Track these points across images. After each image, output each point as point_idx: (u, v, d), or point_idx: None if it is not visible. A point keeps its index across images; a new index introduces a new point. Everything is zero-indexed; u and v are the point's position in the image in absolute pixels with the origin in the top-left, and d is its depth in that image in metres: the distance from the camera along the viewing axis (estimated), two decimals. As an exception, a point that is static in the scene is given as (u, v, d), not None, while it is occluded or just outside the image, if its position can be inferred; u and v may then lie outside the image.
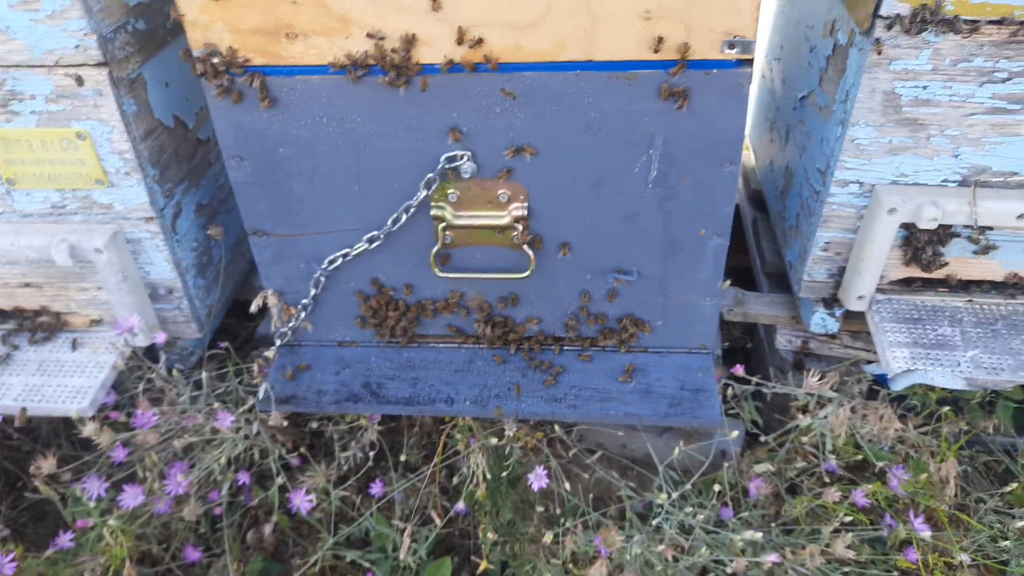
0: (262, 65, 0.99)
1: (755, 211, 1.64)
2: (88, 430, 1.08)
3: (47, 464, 1.13)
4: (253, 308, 1.22)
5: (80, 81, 1.03)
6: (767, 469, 1.25)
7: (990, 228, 1.15)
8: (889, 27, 0.98)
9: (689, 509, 1.15)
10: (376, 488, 1.28)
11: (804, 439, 1.22)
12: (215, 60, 0.98)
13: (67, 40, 1.00)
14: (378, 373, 1.23)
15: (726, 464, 1.26)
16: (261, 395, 1.20)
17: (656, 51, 0.92)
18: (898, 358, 1.16)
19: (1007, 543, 1.19)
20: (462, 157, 1.04)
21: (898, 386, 1.16)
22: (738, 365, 1.22)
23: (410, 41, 0.94)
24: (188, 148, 1.25)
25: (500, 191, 1.08)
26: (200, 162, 1.29)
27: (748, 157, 1.79)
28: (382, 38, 0.94)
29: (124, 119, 1.07)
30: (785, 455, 1.31)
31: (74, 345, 1.28)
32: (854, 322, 1.33)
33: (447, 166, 1.05)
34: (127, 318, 1.16)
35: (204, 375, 1.28)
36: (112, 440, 1.10)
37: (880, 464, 1.22)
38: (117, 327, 1.16)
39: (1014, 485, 1.24)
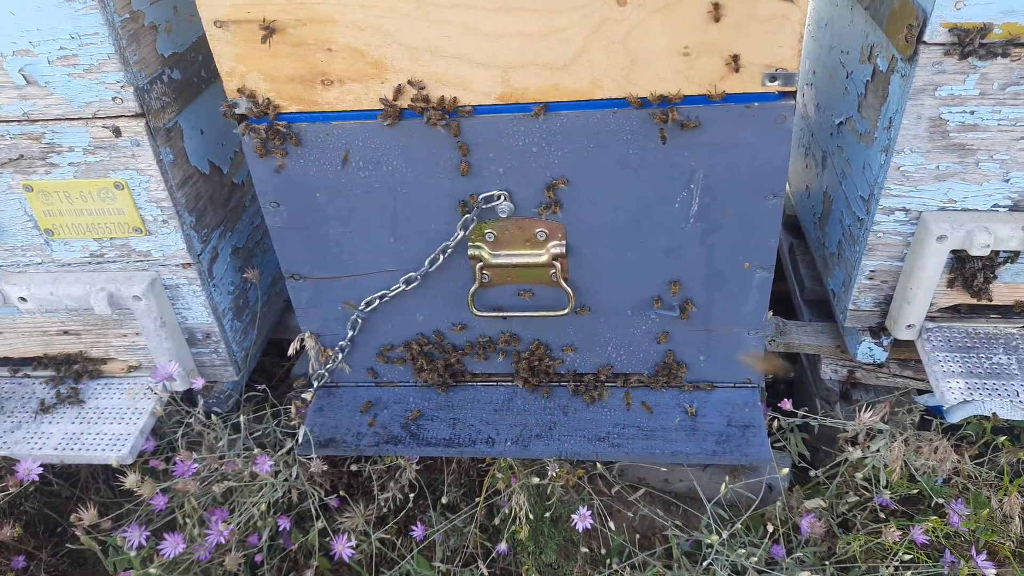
0: (298, 112, 0.99)
1: (791, 237, 1.61)
2: (130, 481, 1.08)
3: (88, 515, 1.13)
4: (291, 351, 1.21)
5: (118, 132, 1.04)
6: (818, 505, 1.21)
7: (1045, 253, 1.11)
8: (932, 53, 0.96)
9: (742, 551, 1.12)
10: (417, 531, 1.26)
11: (858, 474, 1.18)
12: (251, 109, 0.98)
13: (104, 92, 1.00)
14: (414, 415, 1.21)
15: (777, 502, 1.22)
16: (300, 439, 1.19)
17: (705, 90, 0.90)
18: (953, 389, 1.12)
19: (1075, 580, 1.14)
20: (499, 197, 1.03)
21: (955, 418, 1.12)
22: (785, 399, 1.19)
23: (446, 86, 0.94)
24: (223, 193, 1.25)
25: (538, 229, 1.07)
26: (235, 206, 1.30)
27: (782, 181, 1.76)
28: (423, 87, 0.94)
29: (161, 168, 1.07)
30: (836, 489, 1.26)
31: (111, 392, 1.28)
32: (902, 350, 1.29)
33: (484, 206, 1.04)
34: (165, 366, 1.15)
35: (242, 419, 1.27)
36: (153, 490, 1.09)
37: (938, 499, 1.17)
38: (156, 375, 1.15)
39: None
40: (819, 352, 1.36)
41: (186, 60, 1.13)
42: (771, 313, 1.32)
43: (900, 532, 1.12)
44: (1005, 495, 1.14)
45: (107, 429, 1.24)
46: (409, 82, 0.94)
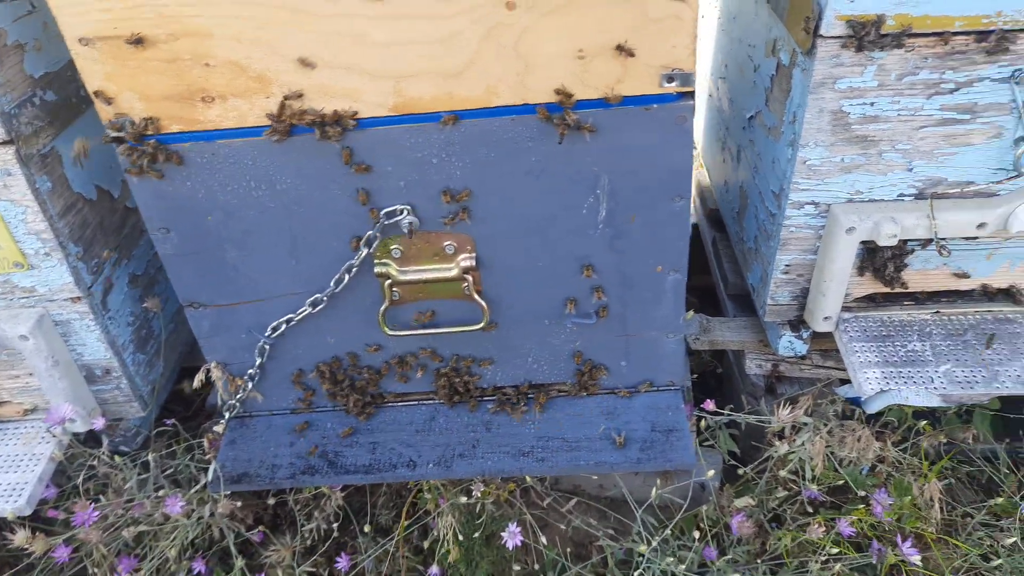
0: (179, 132, 0.93)
1: (714, 231, 1.61)
2: (19, 539, 1.00)
3: (-19, 573, 1.05)
4: (196, 383, 1.15)
5: (-15, 162, 0.96)
6: (747, 503, 1.21)
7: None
8: (829, 46, 0.95)
9: (671, 558, 1.10)
10: (342, 562, 1.21)
11: (783, 469, 1.18)
12: (127, 131, 0.91)
13: (-34, 121, 0.93)
14: (334, 440, 1.16)
15: (706, 503, 1.21)
16: (210, 476, 1.13)
17: (601, 93, 0.88)
18: (870, 379, 1.13)
19: (999, 561, 1.16)
20: (401, 212, 0.99)
21: (872, 408, 1.12)
22: (708, 400, 1.18)
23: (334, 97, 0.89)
24: (115, 219, 1.18)
25: (446, 243, 1.03)
26: (131, 231, 1.22)
27: (704, 175, 1.77)
28: (299, 95, 0.89)
29: (38, 198, 1.00)
30: (765, 485, 1.26)
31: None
32: (824, 341, 1.29)
33: (386, 221, 0.99)
34: (58, 409, 1.08)
35: (151, 457, 1.20)
36: (47, 547, 1.01)
37: (859, 491, 1.18)
38: (48, 419, 1.08)
39: (1000, 499, 1.21)
40: (743, 348, 1.35)
41: (61, 80, 1.05)
42: (691, 312, 1.31)
43: (824, 527, 1.12)
44: (925, 482, 1.15)
45: (2, 479, 1.16)
46: (296, 95, 0.89)
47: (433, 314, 1.09)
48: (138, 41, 0.85)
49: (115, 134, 0.93)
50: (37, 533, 1.03)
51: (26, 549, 1.03)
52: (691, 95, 0.90)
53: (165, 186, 0.97)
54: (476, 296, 1.06)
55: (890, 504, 1.14)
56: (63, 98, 1.05)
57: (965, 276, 1.17)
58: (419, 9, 0.84)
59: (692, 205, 1.84)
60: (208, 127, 0.93)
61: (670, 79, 0.88)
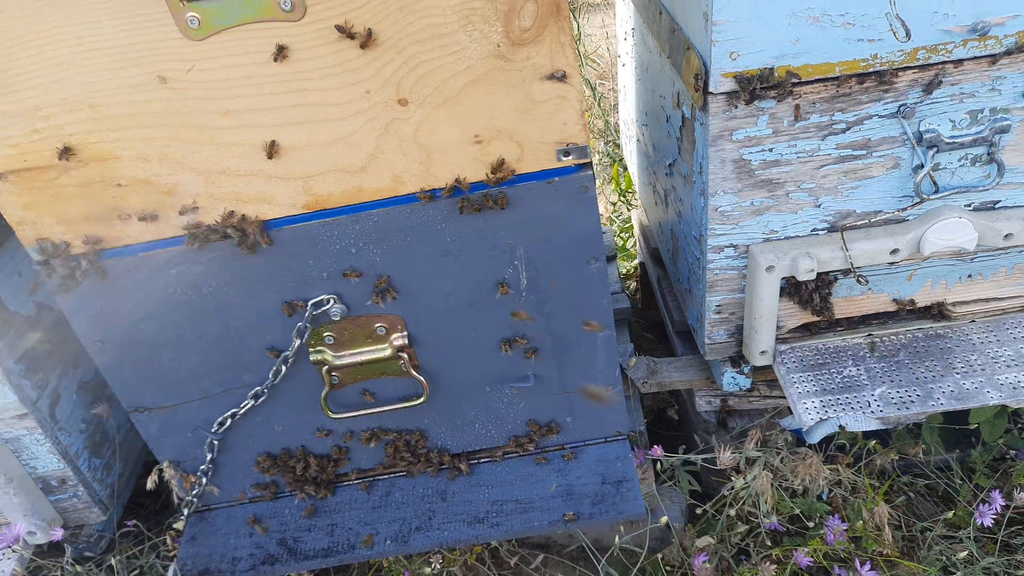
0: (101, 250, 0.95)
1: (657, 268, 1.64)
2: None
3: None
4: (150, 484, 1.16)
5: (-85, 297, 0.98)
6: (708, 543, 1.22)
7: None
8: (721, 102, 0.99)
9: (633, 608, 1.11)
10: (314, 644, 1.21)
11: (736, 507, 1.19)
12: (50, 255, 0.94)
13: None
14: (293, 526, 1.17)
15: (672, 542, 1.23)
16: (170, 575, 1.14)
17: (495, 172, 0.91)
18: (809, 409, 1.15)
19: (959, 573, 1.17)
20: (328, 301, 1.02)
21: (814, 438, 1.14)
22: (655, 447, 1.20)
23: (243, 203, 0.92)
24: (59, 330, 1.20)
25: (377, 325, 1.06)
26: (76, 341, 1.24)
27: (643, 214, 1.80)
28: (196, 208, 0.92)
29: (-28, 324, 1.02)
30: (726, 521, 1.28)
31: (-33, 558, 1.20)
32: (768, 371, 1.32)
33: (315, 312, 1.02)
34: (12, 528, 1.09)
35: (114, 560, 1.21)
36: (8, 668, 1.02)
37: (807, 521, 1.20)
38: (3, 539, 1.09)
39: (955, 511, 1.23)
40: (691, 386, 1.38)
41: (-13, 206, 1.08)
42: (633, 359, 1.33)
43: (781, 561, 1.14)
44: (873, 507, 1.17)
45: (-35, 600, 1.16)
46: (183, 210, 0.92)
47: (373, 395, 1.10)
48: (65, 150, 0.87)
49: (39, 258, 0.95)
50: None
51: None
52: (589, 165, 0.93)
53: (96, 301, 0.99)
54: (413, 372, 1.09)
55: (843, 530, 1.16)
56: (-8, 222, 1.08)
57: (891, 299, 1.21)
58: (315, 114, 0.87)
59: (638, 243, 1.88)
60: (129, 242, 0.95)
61: (566, 153, 0.92)
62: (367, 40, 0.81)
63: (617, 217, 2.23)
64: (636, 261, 1.99)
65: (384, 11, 0.81)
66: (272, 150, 0.89)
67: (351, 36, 0.81)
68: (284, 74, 0.85)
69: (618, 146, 2.34)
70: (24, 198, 0.91)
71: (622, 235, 2.12)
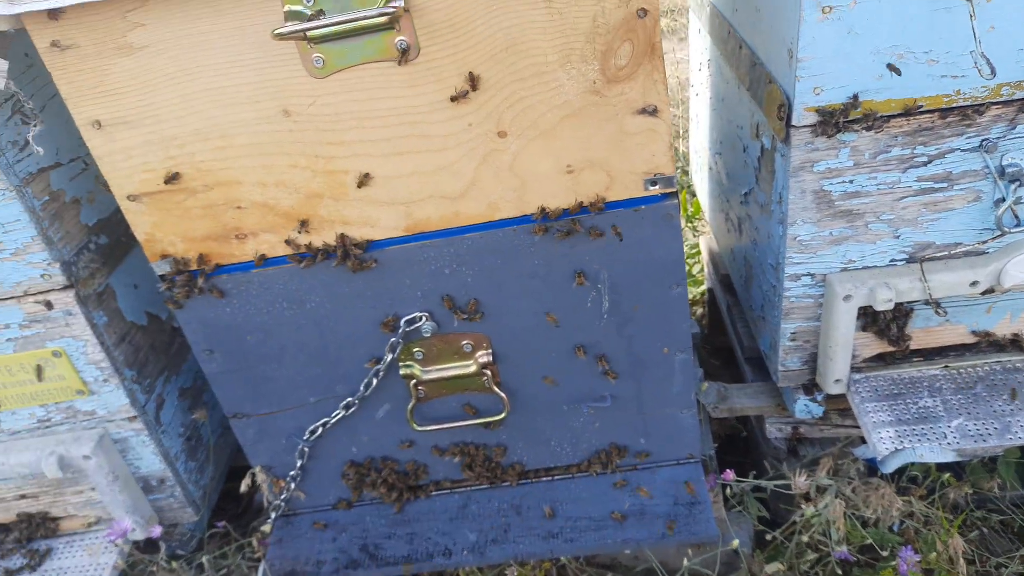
0: (217, 266, 1.03)
1: (727, 295, 1.66)
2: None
3: None
4: (243, 487, 1.23)
5: (49, 305, 1.08)
6: (778, 569, 1.23)
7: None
8: (804, 134, 1.02)
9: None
10: (391, 649, 1.26)
11: (806, 535, 1.20)
12: (174, 270, 1.02)
13: (32, 271, 1.05)
14: (374, 533, 1.23)
15: (739, 568, 1.24)
16: (260, 575, 1.20)
17: (592, 206, 0.97)
18: (884, 439, 1.16)
19: (1035, 610, 1.16)
20: (421, 318, 1.08)
21: (889, 468, 1.15)
22: (728, 470, 1.22)
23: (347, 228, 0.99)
24: (164, 339, 1.29)
25: (464, 342, 1.11)
26: (179, 348, 1.33)
27: (713, 241, 1.83)
28: (307, 230, 0.99)
29: (96, 332, 1.11)
30: (795, 549, 1.29)
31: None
32: (841, 400, 1.33)
33: (407, 328, 1.08)
34: (119, 523, 1.17)
35: (205, 559, 1.28)
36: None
37: (881, 550, 1.20)
38: (110, 533, 1.17)
39: (1031, 545, 1.22)
40: (761, 413, 1.39)
41: (112, 224, 1.18)
42: (704, 384, 1.36)
43: (857, 588, 1.14)
44: (947, 539, 1.16)
45: (71, 589, 1.24)
46: (302, 228, 0.99)
47: (475, 409, 1.16)
48: (174, 176, 0.96)
49: (162, 272, 1.04)
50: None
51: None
52: (675, 195, 0.98)
53: (208, 313, 1.07)
54: (496, 389, 1.14)
55: (916, 561, 1.16)
56: (114, 240, 1.18)
57: (969, 331, 1.21)
58: (421, 145, 0.94)
59: (706, 270, 1.90)
60: (244, 260, 1.03)
61: (653, 183, 0.96)
62: (474, 86, 0.88)
63: (684, 243, 2.25)
64: (703, 287, 2.02)
65: (490, 51, 0.87)
66: (363, 180, 0.96)
67: (464, 95, 0.88)
68: (395, 108, 0.91)
69: (686, 173, 2.37)
70: (153, 218, 1.00)
71: (688, 260, 2.15)
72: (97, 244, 1.13)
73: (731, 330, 1.65)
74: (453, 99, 0.89)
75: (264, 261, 1.03)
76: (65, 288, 1.07)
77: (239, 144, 0.94)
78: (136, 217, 1.00)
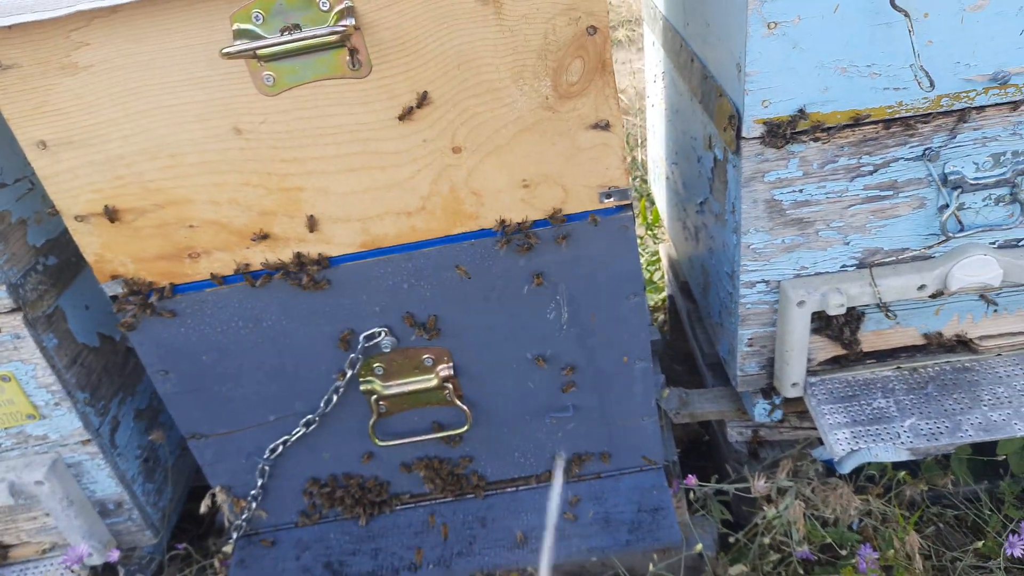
0: (171, 285, 1.02)
1: (687, 302, 1.68)
2: None
3: None
4: (203, 508, 1.21)
5: (-4, 329, 1.05)
6: (741, 571, 1.25)
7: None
8: (753, 146, 1.04)
9: (669, 634, 1.14)
10: (358, 667, 1.25)
11: (768, 536, 1.22)
12: (124, 291, 1.01)
13: (-23, 295, 1.02)
14: (338, 550, 1.22)
15: (702, 572, 1.25)
16: (223, 598, 1.19)
17: (552, 218, 0.97)
18: (840, 440, 1.19)
19: (989, 603, 1.19)
20: (380, 334, 1.07)
21: (845, 469, 1.17)
22: (690, 476, 1.23)
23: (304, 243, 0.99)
24: (117, 360, 1.26)
25: (424, 356, 1.11)
26: (133, 369, 1.31)
27: (672, 249, 1.85)
28: (260, 247, 0.98)
29: (45, 355, 1.09)
30: (759, 550, 1.30)
31: (28, 578, 1.26)
32: (799, 403, 1.35)
33: (366, 344, 1.07)
34: (75, 549, 1.14)
35: (166, 582, 1.26)
36: None
37: (840, 549, 1.22)
38: (66, 559, 1.14)
39: (984, 542, 1.26)
40: (722, 417, 1.41)
41: (61, 244, 1.15)
42: (666, 391, 1.37)
43: (816, 588, 1.17)
44: (903, 536, 1.19)
45: (26, 618, 1.21)
46: (255, 237, 0.99)
47: (439, 425, 1.16)
48: (112, 214, 0.95)
49: (112, 293, 1.02)
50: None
51: None
52: (629, 207, 0.99)
53: (162, 333, 1.06)
54: (457, 402, 1.14)
55: (875, 558, 1.19)
56: (63, 260, 1.15)
57: (919, 332, 1.24)
58: (375, 161, 0.94)
59: (667, 276, 1.93)
60: (196, 279, 1.02)
61: (608, 195, 0.97)
62: (423, 103, 0.88)
63: (644, 250, 2.28)
64: (664, 294, 2.04)
65: (443, 68, 0.88)
66: (311, 224, 0.96)
67: (410, 112, 0.88)
68: (348, 125, 0.91)
69: (645, 181, 2.39)
70: (103, 238, 0.98)
71: (649, 268, 2.17)
72: (45, 265, 1.11)
73: (691, 336, 1.67)
74: (400, 118, 0.89)
75: (218, 280, 1.01)
76: (12, 311, 1.04)
77: (189, 163, 0.93)
78: (84, 238, 0.98)
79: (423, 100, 0.88)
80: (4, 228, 1.04)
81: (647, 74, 1.88)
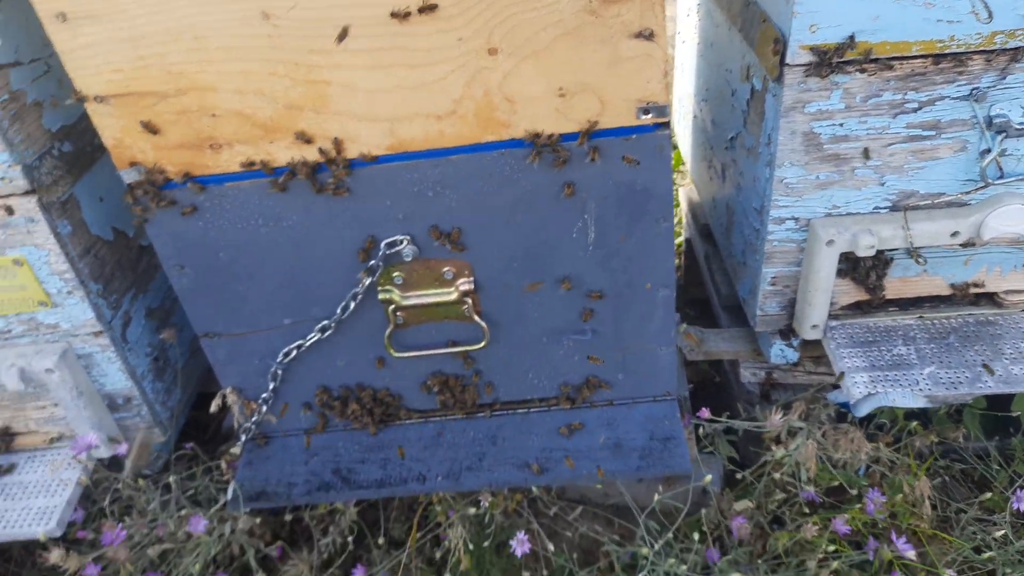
0: (190, 177, 0.99)
1: (706, 244, 1.66)
2: (54, 557, 1.07)
3: (18, 595, 1.11)
4: (213, 408, 1.21)
5: (10, 211, 1.03)
6: (747, 506, 1.26)
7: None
8: (797, 74, 1.01)
9: (672, 560, 1.15)
10: (359, 573, 1.26)
11: (776, 474, 1.22)
12: (142, 179, 0.98)
13: (-8, 173, 1.00)
14: (347, 457, 1.22)
15: (707, 507, 1.26)
16: (230, 495, 1.19)
17: (582, 127, 0.94)
18: (858, 383, 1.17)
19: (991, 553, 1.20)
20: (402, 242, 1.05)
21: (861, 412, 1.17)
22: (703, 408, 1.23)
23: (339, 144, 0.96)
24: (131, 256, 1.25)
25: (445, 268, 1.09)
26: (146, 267, 1.29)
27: (693, 192, 1.82)
28: (285, 143, 0.95)
29: (59, 241, 1.07)
30: (764, 488, 1.31)
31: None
32: (815, 348, 1.34)
33: (387, 251, 1.05)
34: (84, 437, 1.15)
35: (172, 479, 1.26)
36: (80, 564, 1.08)
37: (851, 490, 1.22)
38: (75, 447, 1.14)
39: (991, 494, 1.26)
40: (737, 357, 1.40)
41: (77, 131, 1.12)
42: (684, 325, 1.36)
43: (820, 527, 1.17)
44: (915, 479, 1.19)
45: (33, 504, 1.22)
46: (298, 136, 0.96)
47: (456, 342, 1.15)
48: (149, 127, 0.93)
49: (130, 180, 0.99)
50: (70, 552, 1.09)
51: (60, 567, 1.09)
52: (667, 125, 0.96)
53: (179, 226, 1.04)
54: (476, 317, 1.12)
55: (883, 502, 1.19)
56: (79, 148, 1.13)
57: (946, 283, 1.22)
58: (406, 59, 0.90)
59: (684, 220, 1.90)
60: (217, 171, 0.99)
61: (646, 111, 0.94)
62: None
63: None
64: (681, 238, 2.01)
65: (484, -41, 0.83)
66: (337, 147, 0.96)
67: (432, 8, 0.85)
68: (380, 17, 0.87)
69: (669, 122, 2.34)
70: (123, 121, 0.95)
71: (668, 210, 2.13)
72: (61, 151, 1.08)
73: (708, 278, 1.65)
74: (420, 10, 0.85)
75: (238, 174, 0.99)
76: (27, 193, 1.02)
77: (214, 47, 0.89)
78: (103, 120, 0.95)
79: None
80: (19, 108, 1.01)
81: (679, 10, 1.82)
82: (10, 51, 1.00)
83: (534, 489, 1.29)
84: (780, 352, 1.32)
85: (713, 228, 1.61)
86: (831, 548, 1.19)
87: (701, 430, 1.31)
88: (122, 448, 1.22)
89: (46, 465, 1.27)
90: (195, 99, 0.93)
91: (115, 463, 1.31)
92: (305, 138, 0.96)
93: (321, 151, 0.97)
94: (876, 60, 0.99)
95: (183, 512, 1.21)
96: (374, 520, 1.43)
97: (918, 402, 1.16)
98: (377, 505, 1.45)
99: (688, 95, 1.76)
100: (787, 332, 1.31)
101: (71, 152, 1.10)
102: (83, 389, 1.19)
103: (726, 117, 1.37)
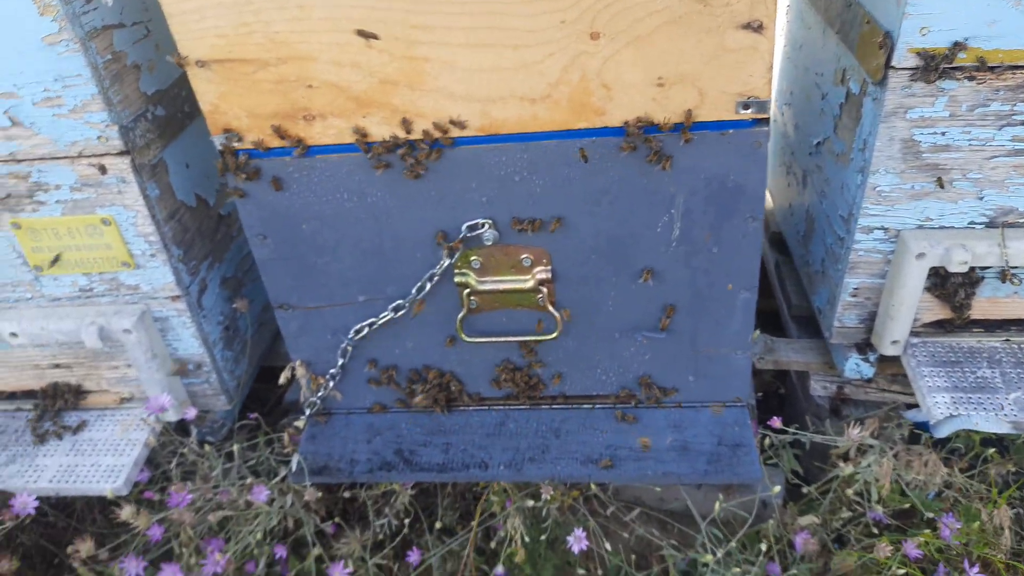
0: (281, 147, 1.00)
1: (777, 254, 1.62)
2: (125, 513, 1.09)
3: (85, 547, 1.13)
4: (282, 379, 1.22)
5: (103, 170, 1.05)
6: (812, 521, 1.22)
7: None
8: (902, 77, 0.97)
9: (736, 569, 1.12)
10: (413, 556, 1.26)
11: (849, 490, 1.19)
12: (235, 148, 0.99)
13: (89, 132, 1.02)
14: (409, 439, 1.22)
15: (768, 520, 1.23)
16: (294, 467, 1.20)
17: (678, 118, 0.92)
18: (939, 404, 1.13)
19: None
20: (483, 225, 1.04)
21: (941, 433, 1.12)
22: (775, 417, 1.20)
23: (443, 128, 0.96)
24: (210, 224, 1.27)
25: (523, 256, 1.08)
26: (223, 237, 1.31)
27: (766, 199, 1.78)
28: (378, 117, 0.95)
29: (147, 203, 1.09)
30: (829, 505, 1.27)
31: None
32: (890, 365, 1.30)
33: (468, 234, 1.05)
34: (158, 397, 1.16)
35: (236, 448, 1.28)
36: (149, 522, 1.09)
37: (928, 514, 1.18)
38: (148, 407, 1.16)
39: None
40: (807, 369, 1.37)
41: (169, 97, 1.14)
42: (758, 332, 1.32)
43: (892, 547, 1.13)
44: (995, 508, 1.14)
45: (101, 461, 1.25)
46: (404, 119, 0.96)
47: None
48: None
49: (222, 147, 1.01)
50: (140, 509, 1.11)
51: (130, 524, 1.11)
52: (766, 121, 0.93)
53: (265, 196, 1.05)
54: (550, 307, 1.11)
55: (958, 528, 1.14)
56: (170, 114, 1.14)
57: (1038, 304, 1.17)
58: (506, 39, 0.90)
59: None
60: (308, 143, 1.00)
61: (746, 106, 0.92)
62: None
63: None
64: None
65: (596, -60, 0.82)
66: (434, 130, 0.95)
67: None
68: (487, -6, 0.87)
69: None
70: (221, 88, 0.96)
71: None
72: (154, 115, 1.10)
73: (778, 288, 1.61)
74: None
75: (329, 146, 0.99)
76: (121, 154, 1.04)
77: (317, 16, 0.90)
78: (203, 85, 0.96)
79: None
80: (120, 68, 1.03)
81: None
82: (115, 12, 1.02)
83: (592, 487, 1.27)
84: (855, 367, 1.28)
85: (787, 236, 1.57)
86: (901, 571, 1.15)
87: (767, 440, 1.28)
88: (191, 412, 1.24)
89: (116, 424, 1.29)
90: (294, 68, 0.94)
91: (179, 428, 1.33)
92: (403, 116, 0.96)
93: (424, 131, 0.96)
94: (988, 68, 0.95)
95: (247, 481, 1.22)
96: (425, 506, 1.43)
97: (1002, 427, 1.11)
98: (430, 491, 1.45)
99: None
100: (864, 346, 1.27)
101: (163, 116, 1.12)
102: (157, 351, 1.21)
103: (812, 122, 1.33)
